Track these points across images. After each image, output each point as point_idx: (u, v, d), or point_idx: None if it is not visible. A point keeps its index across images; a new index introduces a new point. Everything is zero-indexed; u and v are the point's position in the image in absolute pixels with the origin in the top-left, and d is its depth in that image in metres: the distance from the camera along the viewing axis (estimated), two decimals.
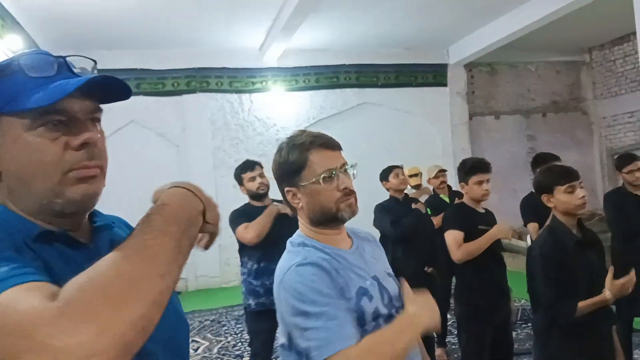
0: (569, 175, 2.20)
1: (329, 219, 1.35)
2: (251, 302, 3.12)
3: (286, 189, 1.38)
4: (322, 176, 1.32)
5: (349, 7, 6.79)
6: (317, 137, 1.36)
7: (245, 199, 3.36)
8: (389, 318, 1.29)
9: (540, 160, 3.93)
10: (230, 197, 4.57)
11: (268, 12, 6.63)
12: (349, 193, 1.35)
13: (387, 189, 4.11)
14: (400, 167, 4.15)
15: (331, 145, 1.38)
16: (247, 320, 3.33)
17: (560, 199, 2.18)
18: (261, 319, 3.03)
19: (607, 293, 2.02)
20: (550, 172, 2.31)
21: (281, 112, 8.51)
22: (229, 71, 8.32)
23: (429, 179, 5.05)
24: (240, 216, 3.19)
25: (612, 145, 9.86)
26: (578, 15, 7.00)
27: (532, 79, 10.30)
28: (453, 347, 4.32)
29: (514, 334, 3.72)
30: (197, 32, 7.23)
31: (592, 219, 8.30)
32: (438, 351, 4.18)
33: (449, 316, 4.54)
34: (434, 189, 5.08)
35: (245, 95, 8.41)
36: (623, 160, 3.87)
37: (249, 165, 3.27)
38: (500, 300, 2.89)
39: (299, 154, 1.34)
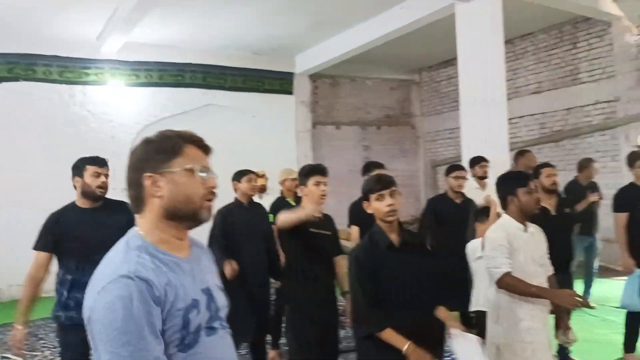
0: (379, 184, 2.32)
1: (188, 215, 1.29)
2: (61, 313, 2.87)
3: (147, 174, 1.27)
4: (197, 167, 1.29)
5: (197, 6, 6.63)
6: (194, 136, 1.35)
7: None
8: (211, 330, 1.29)
9: (367, 168, 4.28)
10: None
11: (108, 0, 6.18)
12: (213, 195, 1.33)
13: (235, 190, 4.10)
14: (255, 173, 4.18)
15: (206, 149, 1.37)
16: (57, 332, 3.07)
17: (373, 205, 2.33)
18: (71, 332, 2.80)
19: (408, 347, 2.12)
20: (367, 181, 2.47)
21: (119, 108, 7.98)
22: (60, 60, 7.58)
23: (280, 181, 5.14)
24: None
25: (435, 157, 11.03)
26: (411, 37, 7.72)
27: (369, 93, 11.10)
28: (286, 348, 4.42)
29: (344, 332, 3.93)
30: (23, 13, 6.45)
31: (416, 223, 9.18)
32: (271, 354, 4.24)
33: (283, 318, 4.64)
34: (281, 192, 5.18)
35: (78, 87, 7.73)
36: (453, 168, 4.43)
37: (99, 161, 2.93)
38: (327, 300, 3.02)
39: (174, 142, 1.30)
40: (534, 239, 2.76)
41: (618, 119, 7.58)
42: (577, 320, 5.06)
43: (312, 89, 10.06)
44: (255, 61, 9.06)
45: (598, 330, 4.87)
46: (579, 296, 2.48)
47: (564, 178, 6.65)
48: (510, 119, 8.96)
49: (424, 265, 2.35)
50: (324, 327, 2.97)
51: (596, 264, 5.89)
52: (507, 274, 2.56)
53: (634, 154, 4.40)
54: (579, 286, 5.69)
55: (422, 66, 11.26)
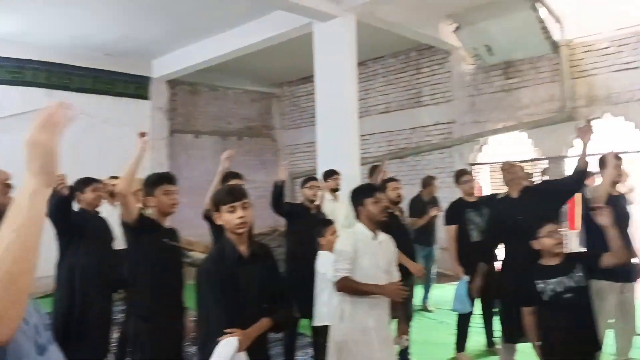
0: (231, 196, 2.29)
1: None
2: None
3: None
4: None
5: None
6: None
7: None
8: None
9: (225, 179, 4.23)
10: None
11: None
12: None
13: (78, 201, 3.77)
14: (100, 182, 3.96)
15: None
16: None
17: (223, 217, 2.29)
18: None
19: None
20: (218, 192, 2.44)
21: None
22: None
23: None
24: None
25: (294, 169, 11.28)
26: (272, 51, 7.84)
27: (230, 104, 11.03)
28: None
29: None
30: None
31: (273, 233, 9.29)
32: None
33: None
34: None
35: None
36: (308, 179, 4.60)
37: None
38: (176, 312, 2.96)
39: None
40: (382, 247, 2.97)
41: (454, 139, 8.44)
42: (417, 323, 5.50)
43: (170, 95, 9.70)
44: (107, 62, 8.49)
45: (435, 332, 5.32)
46: (404, 288, 2.84)
47: (409, 192, 7.26)
48: (361, 135, 9.55)
49: (268, 277, 2.36)
50: (173, 339, 2.89)
51: (434, 270, 6.46)
52: (345, 278, 2.79)
53: (460, 171, 4.92)
54: (419, 292, 6.20)
55: (283, 80, 11.49)
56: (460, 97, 8.39)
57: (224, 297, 2.18)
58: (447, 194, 7.78)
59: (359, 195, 3.00)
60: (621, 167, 3.96)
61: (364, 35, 6.41)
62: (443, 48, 8.36)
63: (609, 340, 3.96)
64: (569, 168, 7.47)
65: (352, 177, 5.58)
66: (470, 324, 4.48)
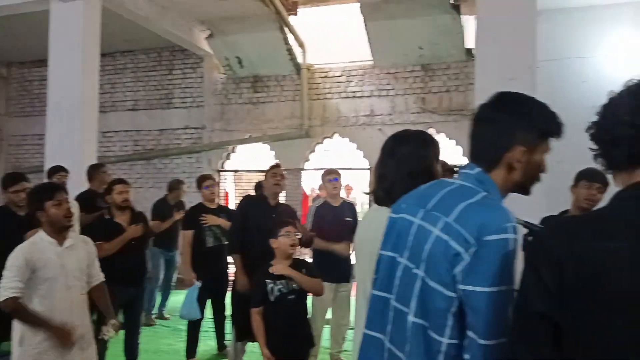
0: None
1: None
2: None
3: None
4: None
5: None
6: None
7: None
8: None
9: None
10: None
11: None
12: None
13: None
14: None
15: None
16: None
17: None
18: None
19: None
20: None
21: None
22: None
23: None
24: None
25: (20, 164, 9.78)
26: (2, 24, 6.68)
27: None
28: None
29: None
30: None
31: None
32: None
33: None
34: None
35: None
36: (10, 179, 3.79)
37: None
38: None
39: None
40: (71, 253, 2.72)
41: (203, 145, 8.48)
42: (151, 331, 5.32)
43: None
44: None
45: (166, 340, 5.20)
46: (71, 336, 2.55)
47: (155, 195, 7.00)
48: (105, 132, 8.89)
49: None
50: None
51: (175, 277, 6.34)
52: (11, 299, 2.47)
53: (202, 176, 4.96)
54: (158, 298, 6.00)
55: (12, 60, 9.91)
56: (211, 104, 8.49)
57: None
58: (194, 199, 7.74)
59: (38, 199, 2.65)
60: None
61: (113, 24, 5.99)
62: (197, 53, 8.35)
63: (325, 335, 4.47)
64: (305, 179, 8.26)
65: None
66: (202, 329, 4.50)
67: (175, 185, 6.17)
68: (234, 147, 8.43)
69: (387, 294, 1.39)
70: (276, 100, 8.10)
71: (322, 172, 4.70)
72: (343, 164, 7.77)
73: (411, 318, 1.28)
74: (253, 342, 3.77)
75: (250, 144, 8.28)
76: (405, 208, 1.42)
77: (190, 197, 6.65)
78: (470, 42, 6.61)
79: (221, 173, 8.40)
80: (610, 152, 1.08)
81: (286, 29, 7.35)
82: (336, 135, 7.81)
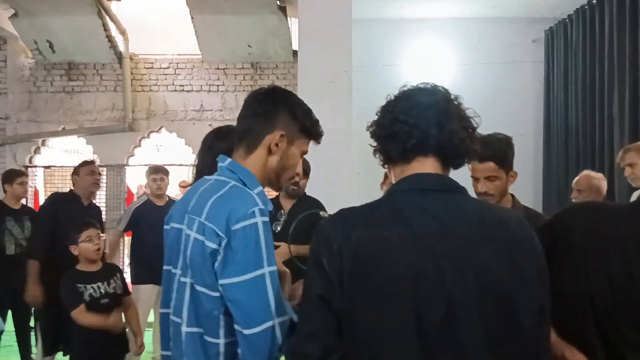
0: None
1: None
2: None
3: None
4: None
5: None
6: None
7: None
8: None
9: None
10: None
11: None
12: None
13: None
14: None
15: None
16: None
17: None
18: None
19: None
20: None
21: None
22: None
23: None
24: None
25: None
26: None
27: None
28: None
29: None
30: None
31: None
32: None
33: None
34: None
35: None
36: None
37: None
38: None
39: None
40: None
41: (7, 137, 7.50)
42: None
43: None
44: None
45: None
46: None
47: None
48: None
49: None
50: None
51: None
52: None
53: (12, 172, 4.39)
54: None
55: None
56: (17, 91, 7.53)
57: None
58: None
59: None
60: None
61: None
62: None
63: (148, 339, 4.29)
64: (129, 176, 7.79)
65: None
66: (2, 344, 4.00)
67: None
68: (44, 141, 7.59)
69: (167, 309, 1.37)
70: (95, 90, 7.48)
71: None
72: (174, 160, 7.52)
73: (184, 328, 1.26)
74: (65, 354, 3.52)
75: (64, 136, 7.55)
76: (175, 217, 1.40)
77: None
78: (296, 44, 6.86)
79: (30, 169, 7.51)
80: (387, 147, 1.19)
81: (105, 15, 6.83)
82: (163, 130, 7.51)
